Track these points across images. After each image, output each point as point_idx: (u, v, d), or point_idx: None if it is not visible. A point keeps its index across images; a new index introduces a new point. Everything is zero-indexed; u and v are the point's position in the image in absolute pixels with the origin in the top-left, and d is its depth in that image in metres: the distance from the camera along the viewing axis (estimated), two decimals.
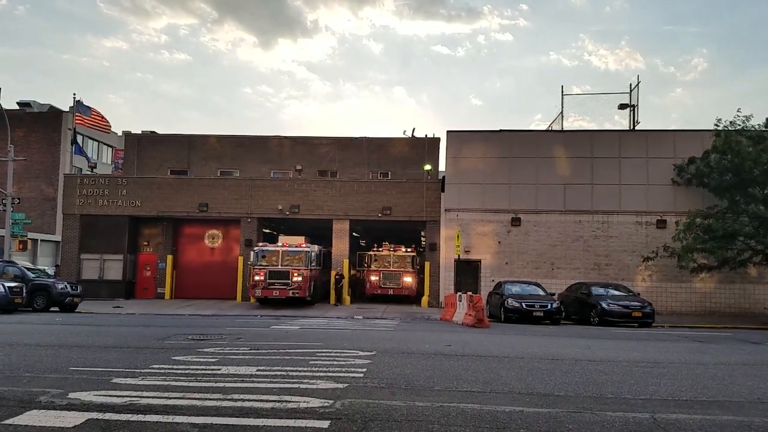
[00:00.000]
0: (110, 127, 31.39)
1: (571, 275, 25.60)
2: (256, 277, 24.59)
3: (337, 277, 27.13)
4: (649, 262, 24.82)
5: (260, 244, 26.41)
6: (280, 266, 24.58)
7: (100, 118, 30.09)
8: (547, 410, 6.12)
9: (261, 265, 24.75)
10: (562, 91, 28.65)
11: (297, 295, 24.28)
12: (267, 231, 30.22)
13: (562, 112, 28.67)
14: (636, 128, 28.26)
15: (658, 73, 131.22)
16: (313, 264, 25.46)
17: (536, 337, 14.78)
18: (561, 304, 21.03)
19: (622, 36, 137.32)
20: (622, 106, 28.60)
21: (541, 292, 21.33)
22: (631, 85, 28.60)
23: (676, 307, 25.64)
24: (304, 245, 25.48)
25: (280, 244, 25.88)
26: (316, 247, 26.85)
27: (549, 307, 20.10)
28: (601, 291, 21.39)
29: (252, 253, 25.44)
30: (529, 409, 6.12)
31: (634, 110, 28.45)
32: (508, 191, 26.66)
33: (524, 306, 20.04)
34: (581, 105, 39.47)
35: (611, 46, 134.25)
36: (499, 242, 26.49)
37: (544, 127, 36.26)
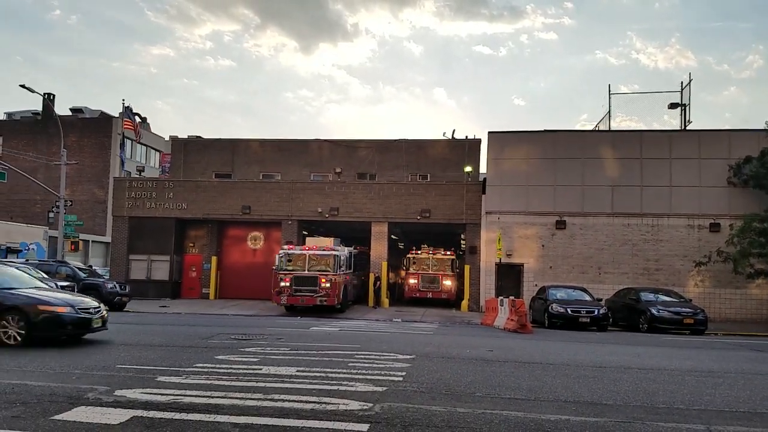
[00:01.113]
0: (137, 131, 32.61)
1: (618, 280, 24.86)
2: (282, 284, 22.87)
3: (374, 279, 27.09)
4: (702, 267, 23.89)
5: (286, 246, 24.87)
6: (306, 271, 23.02)
7: (131, 124, 31.08)
8: (595, 419, 5.89)
9: (286, 270, 23.13)
10: (609, 90, 27.93)
11: (325, 302, 22.62)
12: (306, 233, 30.51)
13: (609, 111, 27.94)
14: (687, 128, 27.28)
15: (710, 71, 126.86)
16: (342, 268, 23.89)
17: (582, 344, 14.38)
18: (608, 309, 20.44)
19: (672, 33, 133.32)
20: (672, 106, 27.66)
21: (588, 298, 20.78)
22: (682, 83, 27.70)
23: (731, 314, 24.58)
24: (332, 248, 23.87)
25: (306, 246, 24.33)
26: (345, 249, 25.33)
27: (596, 312, 19.55)
28: (650, 296, 20.68)
29: (277, 256, 24.00)
30: (576, 418, 5.90)
31: (685, 109, 27.49)
32: (553, 193, 26.09)
33: (570, 311, 19.55)
34: (629, 104, 38.37)
35: (661, 44, 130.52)
36: (543, 246, 25.95)
37: (590, 128, 35.42)
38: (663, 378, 8.91)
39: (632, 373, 9.33)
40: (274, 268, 23.84)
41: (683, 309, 19.70)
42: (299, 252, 23.72)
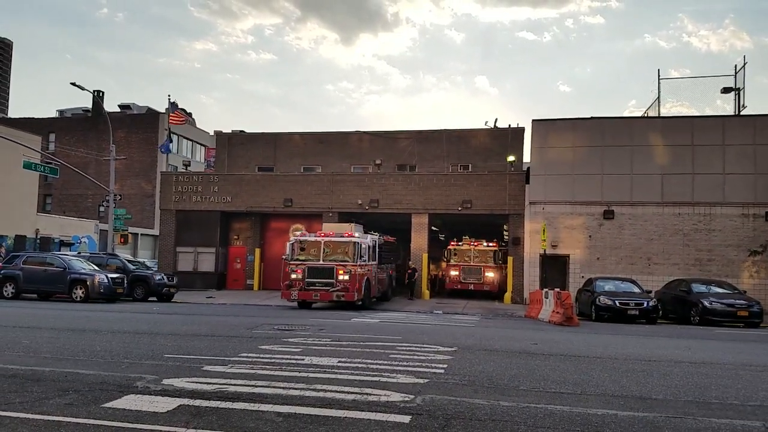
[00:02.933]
0: (185, 120, 33.36)
1: (669, 271, 24.08)
2: (293, 276, 20.08)
3: (410, 271, 26.88)
4: (757, 257, 22.92)
5: (297, 233, 21.95)
6: (321, 261, 20.15)
7: (178, 116, 31.81)
8: (644, 414, 5.70)
9: (298, 260, 20.25)
10: (659, 75, 26.94)
11: (342, 298, 19.75)
12: None
13: (659, 97, 26.96)
14: (741, 113, 26.11)
15: (767, 52, 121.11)
16: (364, 258, 20.69)
17: (631, 337, 14.00)
18: (658, 302, 19.83)
19: (726, 14, 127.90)
20: (725, 90, 26.48)
21: (636, 290, 20.20)
22: (736, 66, 26.44)
23: None
24: (352, 234, 20.87)
25: (322, 232, 21.42)
26: (369, 237, 22.15)
27: (645, 305, 19.00)
28: (702, 288, 19.97)
29: (288, 244, 21.04)
30: (624, 413, 5.73)
31: (739, 94, 26.27)
32: (600, 182, 25.41)
33: (617, 304, 19.06)
34: (680, 90, 36.85)
35: (714, 26, 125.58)
36: (590, 236, 25.34)
37: (639, 114, 34.33)
38: (715, 372, 8.58)
39: (683, 366, 9.01)
40: (283, 257, 21.13)
41: (737, 301, 18.97)
42: (313, 239, 20.71)
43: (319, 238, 20.67)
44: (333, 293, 19.80)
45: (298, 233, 21.39)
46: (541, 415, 5.50)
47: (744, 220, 24.21)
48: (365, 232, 22.99)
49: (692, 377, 8.03)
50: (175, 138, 37.10)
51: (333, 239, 20.52)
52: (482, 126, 35.25)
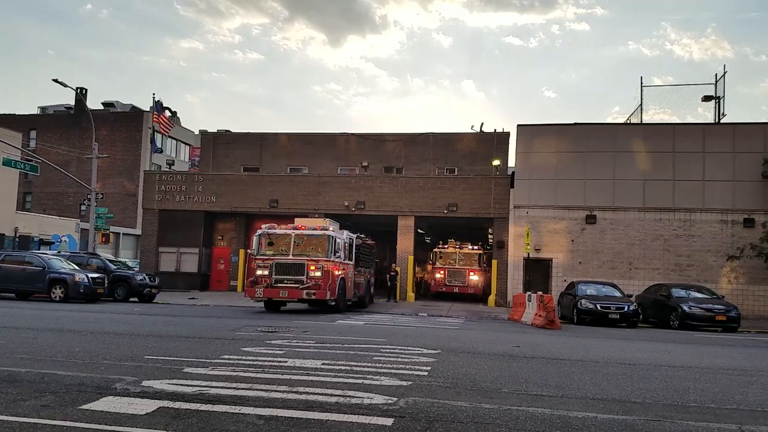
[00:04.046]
0: (171, 127, 33.06)
1: (649, 276, 24.38)
2: (258, 272, 18.41)
3: (392, 273, 26.86)
4: (735, 262, 23.30)
5: (264, 225, 19.60)
6: (291, 256, 18.34)
7: (165, 123, 31.59)
8: (623, 417, 5.76)
9: (265, 255, 18.52)
10: (641, 83, 27.34)
11: (313, 296, 17.96)
12: None
13: (641, 104, 27.36)
14: (722, 121, 26.55)
15: (747, 62, 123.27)
16: (339, 255, 19.06)
17: (612, 340, 14.13)
18: (639, 306, 20.06)
19: (708, 24, 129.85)
20: (706, 98, 26.94)
21: (617, 294, 20.42)
22: (716, 75, 26.91)
23: (765, 311, 23.92)
24: (325, 228, 19.04)
25: (293, 225, 19.56)
26: (345, 234, 20.46)
27: (625, 309, 19.20)
28: (682, 293, 20.24)
29: (254, 238, 19.25)
30: (604, 416, 5.78)
31: (719, 102, 26.74)
32: (583, 187, 25.67)
33: (599, 307, 19.24)
34: (662, 97, 37.43)
35: (696, 35, 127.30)
36: (572, 240, 25.58)
37: (622, 121, 34.75)
38: (694, 376, 8.69)
39: (662, 370, 9.12)
40: (249, 252, 19.85)
41: (715, 306, 19.24)
42: (282, 232, 18.92)
43: (289, 231, 18.84)
44: (303, 290, 17.92)
45: (265, 226, 19.33)
46: (522, 418, 5.53)
47: (723, 226, 24.59)
48: (342, 230, 21.20)
49: (671, 381, 8.12)
50: (158, 137, 36.75)
51: (305, 233, 18.72)
52: (469, 130, 35.46)
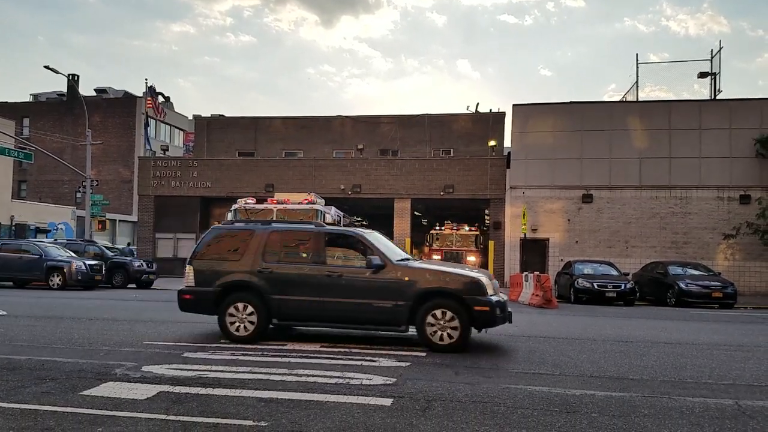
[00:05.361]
0: (163, 114, 32.84)
1: (646, 254, 24.48)
2: None
3: None
4: (731, 239, 23.39)
5: (243, 201, 17.56)
6: None
7: (157, 110, 31.37)
8: (621, 394, 5.81)
9: None
10: (637, 60, 27.41)
11: None
12: None
13: (637, 81, 27.27)
14: (718, 97, 26.47)
15: (744, 37, 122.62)
16: None
17: (609, 319, 14.22)
18: (635, 284, 20.15)
19: None
20: (702, 75, 26.85)
21: (614, 272, 20.49)
22: (712, 51, 26.79)
23: (761, 287, 24.09)
24: (313, 201, 17.31)
25: (275, 199, 17.70)
26: (333, 210, 18.85)
27: (622, 287, 19.28)
28: (678, 270, 20.33)
29: (228, 214, 17.43)
30: (601, 393, 5.83)
31: (715, 78, 26.66)
32: (579, 166, 25.64)
33: (596, 286, 19.32)
34: (658, 74, 37.39)
35: (692, 10, 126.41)
36: (569, 220, 25.62)
37: (618, 98, 34.64)
38: (691, 352, 8.76)
39: (659, 347, 9.19)
40: None
41: (712, 282, 19.35)
42: (263, 207, 17.04)
43: (270, 206, 16.92)
44: None
45: (242, 201, 17.37)
46: (520, 396, 5.57)
47: (719, 203, 24.65)
48: (331, 206, 19.51)
49: (668, 357, 8.18)
50: (152, 122, 36.56)
51: (289, 206, 16.77)
52: (464, 111, 35.29)
